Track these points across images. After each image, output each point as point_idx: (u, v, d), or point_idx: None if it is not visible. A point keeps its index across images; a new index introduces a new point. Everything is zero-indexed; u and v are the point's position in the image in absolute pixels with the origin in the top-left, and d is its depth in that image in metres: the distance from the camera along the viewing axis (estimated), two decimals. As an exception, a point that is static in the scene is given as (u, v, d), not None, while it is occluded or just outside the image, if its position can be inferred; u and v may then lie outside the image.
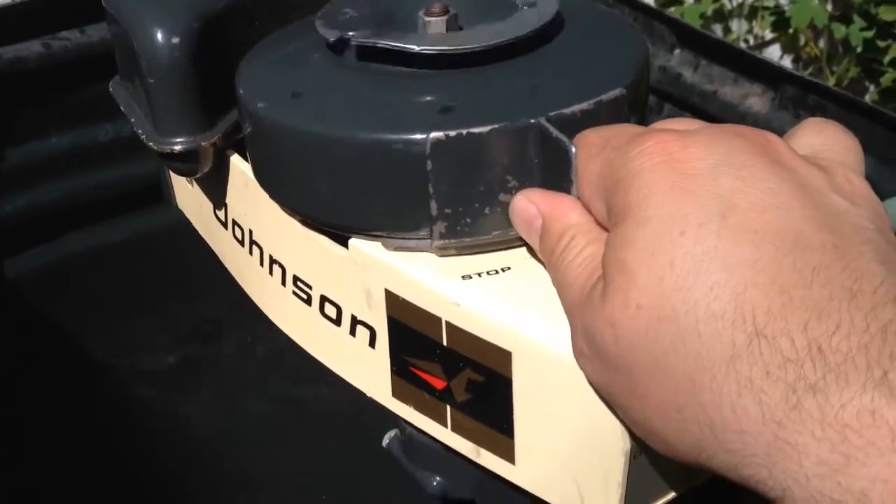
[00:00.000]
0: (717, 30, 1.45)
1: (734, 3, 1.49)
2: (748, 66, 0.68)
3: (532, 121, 0.36)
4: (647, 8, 0.72)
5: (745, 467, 0.27)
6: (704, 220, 0.28)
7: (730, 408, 0.27)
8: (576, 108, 0.36)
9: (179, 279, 0.79)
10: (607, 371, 0.31)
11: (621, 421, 0.33)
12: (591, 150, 0.33)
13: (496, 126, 0.36)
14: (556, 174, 0.35)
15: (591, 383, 0.33)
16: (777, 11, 1.43)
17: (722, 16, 1.45)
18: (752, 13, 1.48)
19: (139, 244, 0.79)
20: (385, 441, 0.49)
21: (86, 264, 0.78)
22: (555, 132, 0.35)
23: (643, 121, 0.40)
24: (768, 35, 1.48)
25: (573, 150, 0.34)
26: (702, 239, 0.28)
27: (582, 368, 0.32)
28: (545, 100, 0.37)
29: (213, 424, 0.77)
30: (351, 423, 0.73)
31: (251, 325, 0.79)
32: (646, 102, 0.41)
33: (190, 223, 0.56)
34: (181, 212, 0.57)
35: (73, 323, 0.79)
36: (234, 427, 0.78)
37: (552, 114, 0.36)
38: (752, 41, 1.47)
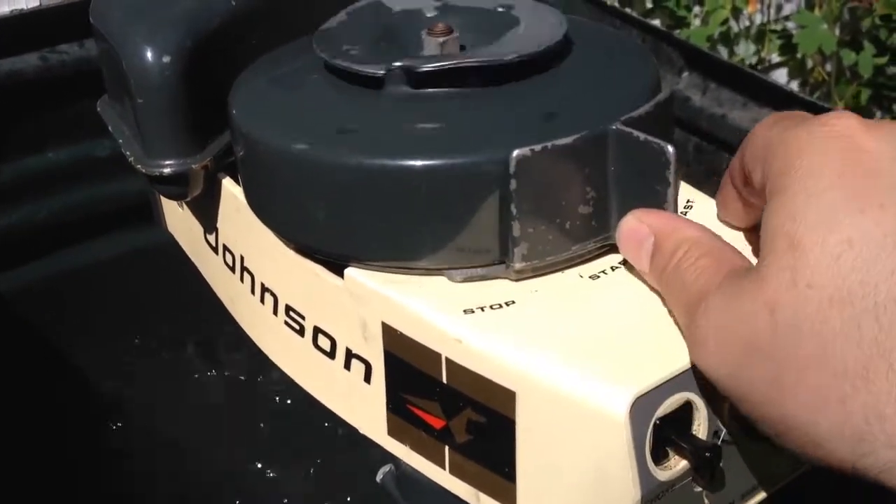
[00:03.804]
0: (723, 52, 1.44)
1: (741, 26, 1.48)
2: (758, 89, 0.66)
3: (613, 127, 0.35)
4: (655, 30, 0.70)
5: None
6: (886, 201, 0.27)
7: None
8: (641, 110, 0.35)
9: (175, 297, 0.78)
10: (747, 364, 0.29)
11: (633, 468, 0.31)
12: (768, 121, 0.32)
13: (579, 135, 0.34)
14: (641, 179, 0.35)
15: (713, 381, 0.31)
16: (785, 35, 1.43)
17: (728, 39, 1.45)
18: (760, 36, 1.47)
19: (135, 261, 0.78)
20: (379, 476, 0.48)
21: (80, 281, 0.77)
22: (643, 135, 0.34)
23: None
24: (775, 58, 1.47)
25: (670, 148, 0.33)
26: (883, 220, 0.27)
27: (704, 369, 0.31)
28: (611, 107, 0.36)
29: (207, 442, 0.75)
30: (350, 445, 0.72)
31: (246, 344, 0.78)
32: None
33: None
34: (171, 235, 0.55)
35: (66, 339, 0.77)
36: (228, 445, 0.76)
37: (624, 118, 0.35)
38: (755, 62, 1.46)
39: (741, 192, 0.35)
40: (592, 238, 0.37)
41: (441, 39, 0.39)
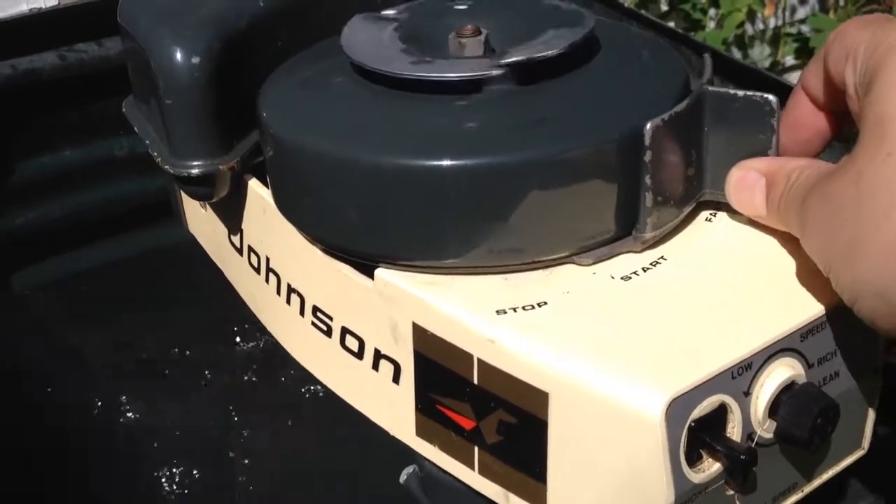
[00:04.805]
0: (737, 56, 1.43)
1: (756, 29, 1.47)
2: (776, 92, 0.66)
3: (710, 88, 0.38)
4: (673, 32, 0.70)
5: None
6: None
7: None
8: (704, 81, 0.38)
9: (191, 297, 0.78)
10: (833, 232, 0.32)
11: (667, 470, 0.31)
12: (855, 23, 0.35)
13: (689, 100, 0.36)
14: (738, 133, 0.37)
15: (817, 263, 0.33)
16: (800, 38, 1.42)
17: (743, 42, 1.44)
18: (775, 39, 1.46)
19: (151, 261, 0.78)
20: (402, 477, 0.48)
21: (96, 280, 0.77)
22: (741, 91, 0.37)
23: None
24: (789, 61, 1.47)
25: (772, 98, 0.37)
26: None
27: (810, 254, 0.33)
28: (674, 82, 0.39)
29: (227, 443, 0.75)
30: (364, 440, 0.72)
31: (265, 343, 0.78)
32: None
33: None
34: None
35: (81, 338, 0.77)
36: (246, 447, 0.76)
37: (705, 84, 0.38)
38: (768, 65, 1.46)
39: (817, 101, 0.38)
40: (694, 198, 0.39)
41: (470, 40, 0.39)
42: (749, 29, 1.47)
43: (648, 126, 0.35)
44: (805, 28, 1.47)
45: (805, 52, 1.41)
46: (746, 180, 0.37)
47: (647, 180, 0.36)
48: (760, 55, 1.47)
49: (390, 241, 0.37)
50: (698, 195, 0.39)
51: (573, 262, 0.37)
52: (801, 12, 1.51)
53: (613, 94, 0.38)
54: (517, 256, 0.37)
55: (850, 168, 0.31)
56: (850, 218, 0.31)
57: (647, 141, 0.35)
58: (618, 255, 0.37)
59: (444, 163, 0.35)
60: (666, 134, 0.36)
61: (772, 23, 1.49)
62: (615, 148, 0.36)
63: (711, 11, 1.43)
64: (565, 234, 0.37)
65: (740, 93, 0.37)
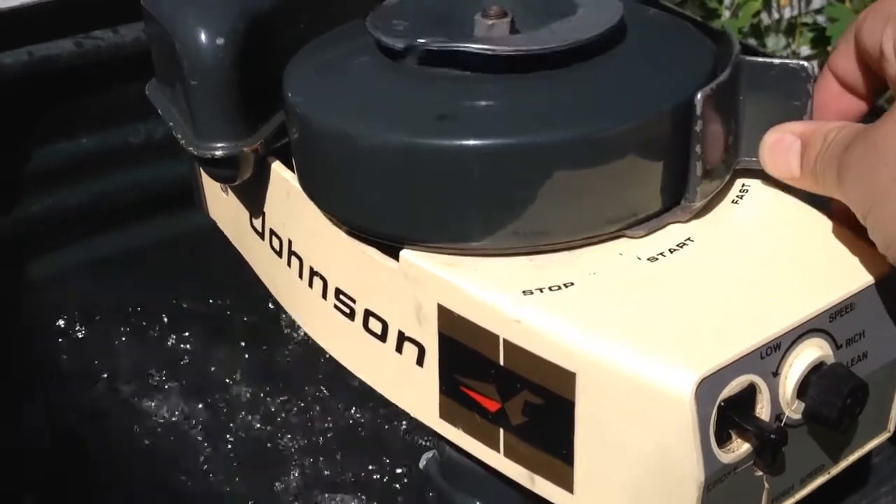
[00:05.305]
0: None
1: (772, 19, 1.47)
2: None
3: (747, 58, 0.38)
4: (693, 20, 0.70)
5: None
6: None
7: None
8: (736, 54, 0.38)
9: (209, 284, 0.78)
10: (873, 169, 0.32)
11: (697, 450, 0.31)
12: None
13: (729, 70, 0.37)
14: (774, 100, 0.38)
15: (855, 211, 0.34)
16: (816, 28, 1.42)
17: (759, 31, 1.44)
18: (790, 29, 1.46)
19: (169, 248, 0.78)
20: (422, 462, 0.48)
21: (113, 267, 0.77)
22: (777, 59, 0.38)
23: None
24: (804, 51, 1.46)
25: (807, 64, 0.38)
26: None
27: (848, 202, 0.34)
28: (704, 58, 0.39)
29: (245, 430, 0.75)
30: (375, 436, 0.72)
31: (285, 330, 0.78)
32: None
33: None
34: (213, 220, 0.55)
35: (99, 325, 0.77)
36: (262, 435, 0.76)
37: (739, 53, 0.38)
38: (785, 56, 1.45)
39: (844, 82, 0.40)
40: (734, 165, 0.40)
41: (497, 21, 0.39)
42: (765, 18, 1.46)
43: (699, 96, 0.36)
44: (821, 18, 1.46)
45: (821, 42, 1.41)
46: (782, 143, 0.37)
47: (698, 150, 0.36)
48: (776, 45, 1.46)
49: (417, 222, 0.37)
50: (735, 163, 0.40)
51: (625, 236, 0.38)
52: (818, 2, 1.50)
53: (654, 71, 0.39)
54: (559, 236, 0.37)
55: (892, 113, 0.32)
56: (892, 156, 0.32)
57: (698, 111, 0.36)
58: (667, 225, 0.38)
59: (488, 142, 0.35)
60: (714, 103, 0.36)
61: (787, 13, 1.49)
62: (669, 119, 0.36)
63: (727, 1, 1.43)
64: (618, 209, 0.37)
65: (776, 61, 0.38)
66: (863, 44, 0.38)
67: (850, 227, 0.37)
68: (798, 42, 1.46)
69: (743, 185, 0.40)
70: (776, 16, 1.48)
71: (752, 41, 1.42)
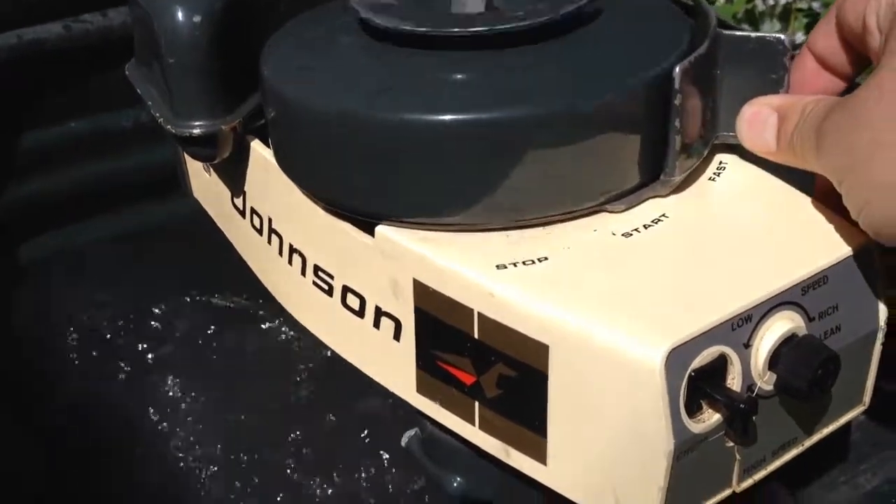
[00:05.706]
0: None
1: (767, 4, 1.47)
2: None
3: (724, 32, 0.39)
4: (683, 5, 0.70)
5: None
6: None
7: None
8: (713, 29, 0.38)
9: (198, 269, 0.78)
10: (852, 135, 0.32)
11: (667, 419, 0.31)
12: None
13: (707, 44, 0.37)
14: (751, 74, 0.38)
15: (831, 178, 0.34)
16: (811, 13, 1.41)
17: (754, 17, 1.43)
18: (785, 15, 1.46)
19: (157, 232, 0.78)
20: (404, 440, 0.48)
21: (102, 251, 0.77)
22: (754, 33, 0.39)
23: None
24: (800, 37, 1.46)
25: (784, 37, 0.38)
26: None
27: (824, 171, 0.34)
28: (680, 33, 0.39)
29: (233, 416, 0.75)
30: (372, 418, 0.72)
31: (272, 315, 0.78)
32: None
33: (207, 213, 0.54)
34: (197, 201, 0.55)
35: (87, 309, 0.77)
36: (255, 417, 0.76)
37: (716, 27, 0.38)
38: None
39: (823, 61, 0.40)
40: (712, 140, 0.40)
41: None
42: (759, 4, 1.46)
43: (678, 69, 0.36)
44: (816, 4, 1.46)
45: (816, 26, 1.41)
46: (759, 116, 0.37)
47: (677, 123, 0.36)
48: (771, 31, 1.46)
49: (392, 198, 0.37)
50: (713, 138, 0.40)
51: (604, 211, 0.38)
52: (812, -12, 1.50)
53: (632, 45, 0.39)
54: (535, 212, 0.37)
55: (872, 79, 0.33)
56: (870, 119, 0.32)
57: (676, 84, 0.36)
58: (646, 199, 0.38)
59: (475, 116, 0.35)
60: (692, 76, 0.36)
61: (782, -2, 1.49)
62: (646, 93, 0.36)
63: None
64: (595, 185, 0.37)
65: (753, 34, 0.38)
66: (845, 20, 0.38)
67: (829, 205, 0.37)
68: (793, 27, 1.45)
69: (721, 163, 0.40)
70: (771, 2, 1.48)
71: (746, 27, 1.42)
